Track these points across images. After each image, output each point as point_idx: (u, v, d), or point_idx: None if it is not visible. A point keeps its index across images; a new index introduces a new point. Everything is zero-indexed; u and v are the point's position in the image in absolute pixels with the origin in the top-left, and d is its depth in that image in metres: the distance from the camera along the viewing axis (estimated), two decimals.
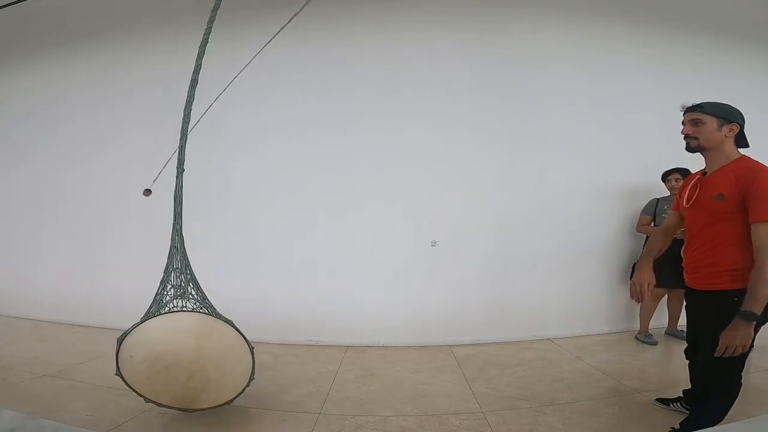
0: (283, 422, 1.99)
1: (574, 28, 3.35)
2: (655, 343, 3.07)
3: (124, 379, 1.81)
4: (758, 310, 1.35)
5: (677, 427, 1.76)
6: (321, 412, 2.08)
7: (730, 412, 1.59)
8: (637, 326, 3.24)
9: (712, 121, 1.49)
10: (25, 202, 3.98)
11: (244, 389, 1.92)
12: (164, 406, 1.88)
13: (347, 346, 3.09)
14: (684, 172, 3.03)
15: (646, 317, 3.17)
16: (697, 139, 1.52)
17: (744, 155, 1.51)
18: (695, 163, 3.00)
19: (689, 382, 1.81)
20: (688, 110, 1.56)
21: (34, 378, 2.45)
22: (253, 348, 1.93)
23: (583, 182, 3.33)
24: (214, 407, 1.90)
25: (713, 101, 1.54)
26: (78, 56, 3.81)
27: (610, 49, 3.40)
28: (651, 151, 3.36)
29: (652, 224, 3.16)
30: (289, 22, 1.89)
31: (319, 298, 3.19)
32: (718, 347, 1.41)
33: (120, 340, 1.78)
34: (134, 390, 1.81)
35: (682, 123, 1.58)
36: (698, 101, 1.56)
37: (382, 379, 2.53)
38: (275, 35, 1.96)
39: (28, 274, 3.91)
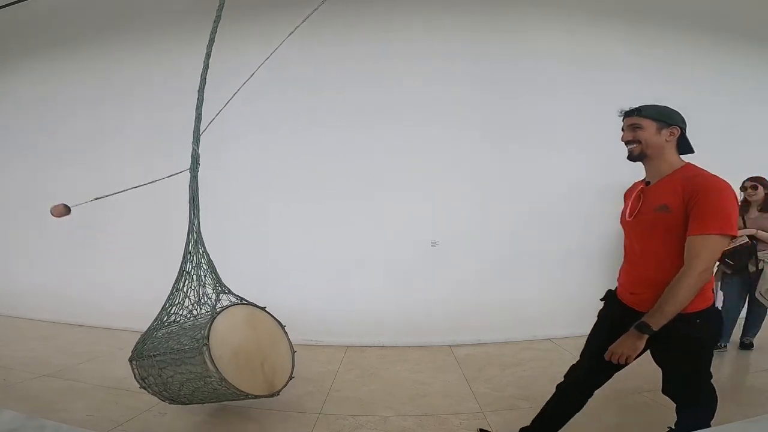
0: (283, 422, 1.99)
1: (576, 28, 3.35)
2: None
3: (227, 383, 1.68)
4: (655, 325, 1.24)
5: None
6: (321, 412, 2.09)
7: (729, 412, 1.59)
8: None
9: (650, 125, 1.36)
10: (26, 201, 3.97)
11: (294, 362, 2.08)
12: (261, 396, 1.88)
13: (347, 346, 3.09)
14: None
15: None
16: (639, 143, 1.38)
17: (689, 163, 1.38)
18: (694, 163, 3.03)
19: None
20: (627, 115, 1.44)
21: (34, 378, 2.45)
22: (284, 326, 2.12)
23: (584, 182, 3.33)
24: (286, 384, 2.00)
25: (653, 104, 1.41)
26: (77, 55, 3.81)
27: (612, 49, 3.40)
28: None
29: None
30: (304, 21, 1.91)
31: (319, 298, 3.19)
32: (606, 352, 1.33)
33: (205, 344, 1.67)
34: (238, 389, 1.72)
35: (622, 129, 1.45)
36: (636, 105, 1.44)
37: (382, 379, 2.54)
38: (290, 34, 1.97)
39: (29, 274, 3.91)
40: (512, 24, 3.29)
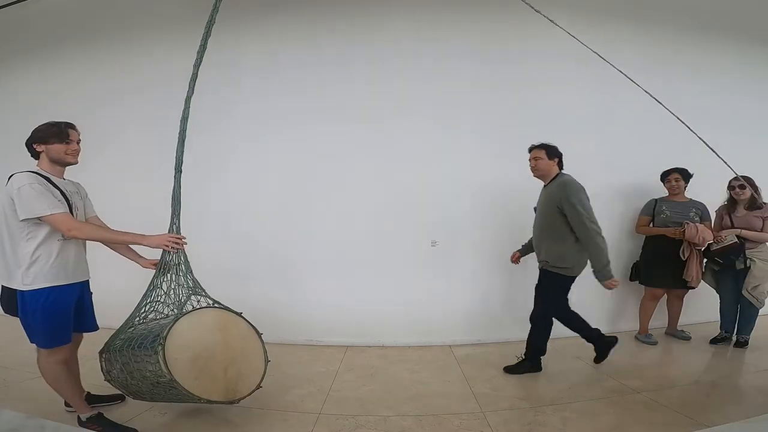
0: (284, 422, 2.00)
1: (577, 26, 3.34)
2: (655, 343, 3.07)
3: (178, 385, 1.68)
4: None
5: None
6: (321, 412, 2.09)
7: (729, 412, 1.60)
8: (637, 326, 3.24)
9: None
10: None
11: (265, 370, 2.01)
12: (216, 402, 1.85)
13: (347, 346, 3.09)
14: (683, 173, 3.05)
15: (645, 317, 3.17)
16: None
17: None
18: (694, 164, 3.02)
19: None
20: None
21: (34, 378, 2.44)
22: (261, 333, 2.04)
23: (583, 182, 3.32)
24: (251, 392, 1.94)
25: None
26: (77, 55, 3.80)
27: (612, 48, 3.38)
28: (651, 151, 3.36)
29: (651, 224, 3.17)
30: None
31: (319, 298, 3.19)
32: None
33: (162, 345, 1.68)
34: (190, 392, 1.71)
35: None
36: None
37: (382, 379, 2.54)
38: None
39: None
40: (513, 24, 3.28)
